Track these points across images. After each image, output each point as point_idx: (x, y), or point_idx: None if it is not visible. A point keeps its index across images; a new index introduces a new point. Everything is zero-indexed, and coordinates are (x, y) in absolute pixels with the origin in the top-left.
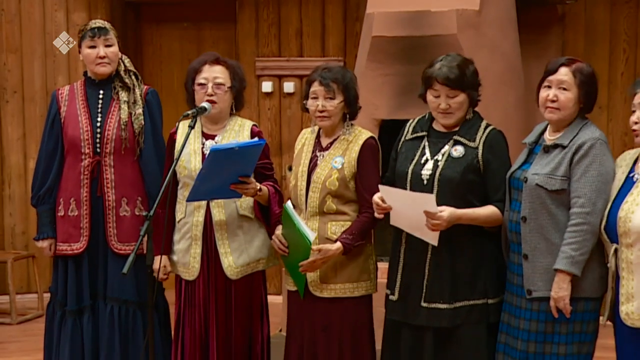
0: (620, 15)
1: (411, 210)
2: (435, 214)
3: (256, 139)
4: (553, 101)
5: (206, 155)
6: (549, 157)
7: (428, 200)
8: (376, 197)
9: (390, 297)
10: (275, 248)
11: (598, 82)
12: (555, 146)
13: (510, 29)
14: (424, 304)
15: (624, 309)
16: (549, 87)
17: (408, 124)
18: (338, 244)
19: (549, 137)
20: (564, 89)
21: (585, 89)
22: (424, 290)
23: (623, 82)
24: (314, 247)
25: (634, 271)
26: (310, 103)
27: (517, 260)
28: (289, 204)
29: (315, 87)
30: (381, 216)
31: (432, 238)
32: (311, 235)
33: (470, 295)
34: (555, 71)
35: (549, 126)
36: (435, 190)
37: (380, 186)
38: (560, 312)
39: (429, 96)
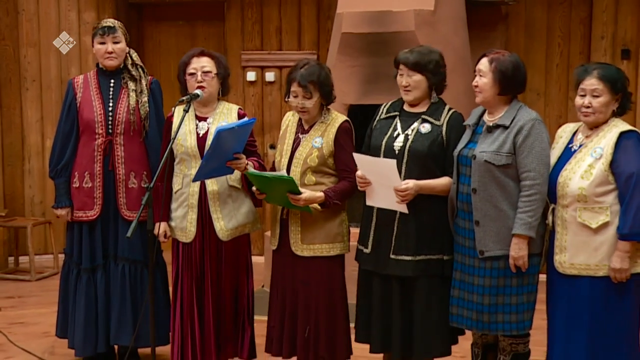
0: (556, 14)
1: (379, 176)
2: (402, 186)
3: (245, 118)
4: (475, 86)
5: (200, 135)
6: (492, 136)
7: (391, 166)
8: (358, 172)
9: (365, 250)
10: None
11: (524, 70)
12: (497, 126)
13: (461, 27)
14: (392, 256)
15: (557, 258)
16: (475, 75)
17: (383, 106)
18: (321, 193)
19: (488, 119)
20: (481, 75)
21: (500, 75)
22: (393, 244)
23: (558, 72)
24: (302, 196)
25: (567, 228)
26: (292, 100)
27: (468, 226)
28: (250, 170)
29: (295, 88)
30: (363, 189)
31: (402, 208)
32: (284, 173)
33: (429, 251)
34: (478, 61)
35: (486, 109)
36: (405, 160)
37: (354, 154)
38: (510, 269)
39: (398, 76)
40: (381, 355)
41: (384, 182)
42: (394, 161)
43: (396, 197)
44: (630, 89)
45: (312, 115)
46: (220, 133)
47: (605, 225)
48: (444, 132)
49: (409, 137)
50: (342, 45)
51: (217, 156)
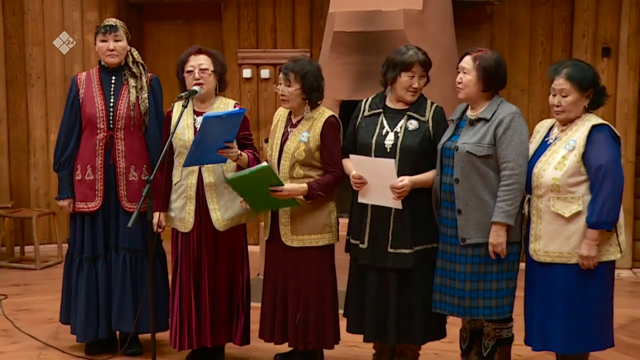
0: (539, 14)
1: (376, 175)
2: (398, 184)
3: (237, 108)
4: (459, 83)
5: (197, 129)
6: (474, 129)
7: (389, 165)
8: (354, 172)
9: (360, 245)
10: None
11: (504, 67)
12: (479, 120)
13: (448, 26)
14: (390, 250)
15: (532, 246)
16: (459, 72)
17: (363, 103)
18: (304, 185)
19: (471, 113)
20: (465, 72)
21: (484, 72)
22: (390, 239)
23: (541, 70)
24: (284, 187)
25: (542, 217)
26: (277, 88)
27: (451, 215)
28: (227, 175)
29: (280, 75)
30: (359, 189)
31: (397, 204)
32: (263, 164)
33: (424, 241)
34: (461, 59)
35: (469, 105)
36: (397, 157)
37: (351, 155)
38: (490, 256)
39: (404, 77)
40: (370, 342)
41: (380, 181)
42: (392, 161)
43: (393, 194)
44: (610, 85)
45: (292, 105)
46: (206, 119)
47: (577, 214)
48: (430, 127)
49: (399, 134)
50: (334, 44)
51: (205, 143)
